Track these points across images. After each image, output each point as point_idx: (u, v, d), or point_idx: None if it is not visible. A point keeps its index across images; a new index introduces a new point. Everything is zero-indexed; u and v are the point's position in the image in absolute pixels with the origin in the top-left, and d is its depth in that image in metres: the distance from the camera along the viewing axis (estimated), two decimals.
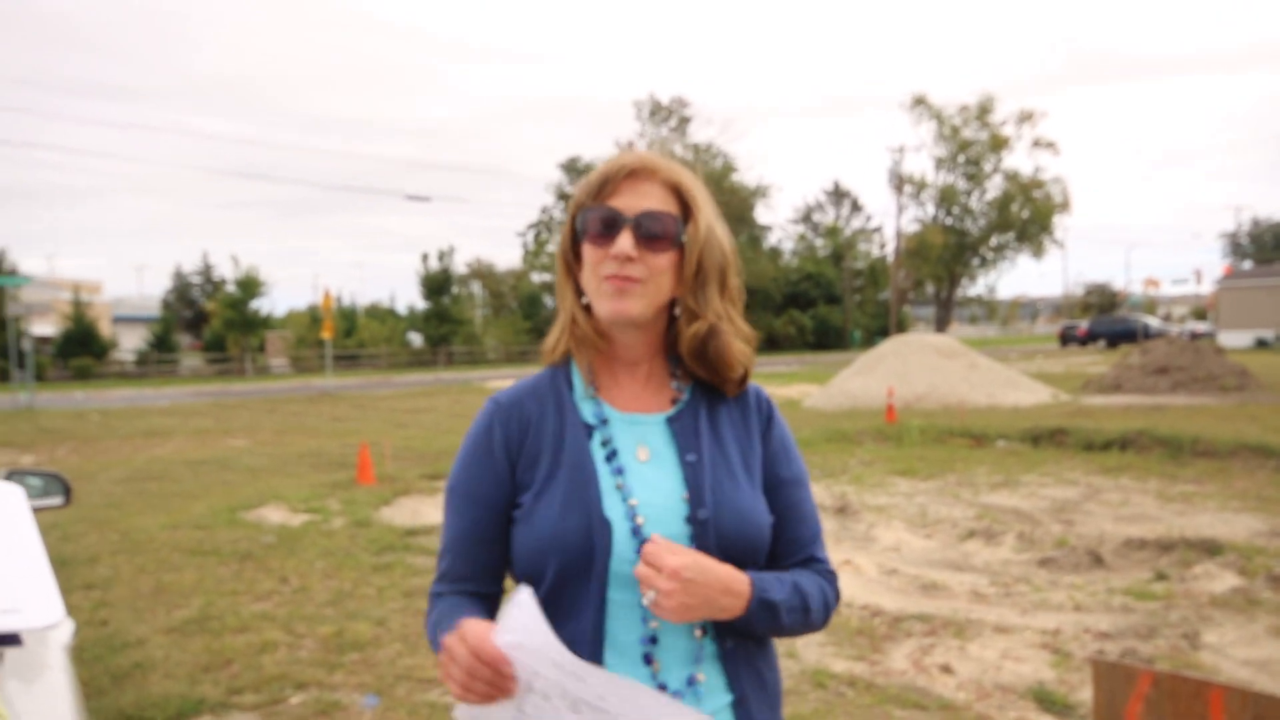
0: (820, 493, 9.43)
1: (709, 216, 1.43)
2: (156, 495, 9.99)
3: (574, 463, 1.37)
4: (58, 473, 3.05)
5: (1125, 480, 9.87)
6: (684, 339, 1.42)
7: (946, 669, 4.62)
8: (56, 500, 2.96)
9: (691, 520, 1.35)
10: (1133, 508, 8.49)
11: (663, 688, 1.32)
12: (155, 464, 12.54)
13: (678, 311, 1.43)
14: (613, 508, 1.34)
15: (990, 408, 17.66)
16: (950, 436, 13.42)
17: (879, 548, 7.30)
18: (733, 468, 1.42)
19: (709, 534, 1.34)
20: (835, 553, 6.98)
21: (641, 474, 1.38)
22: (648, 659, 1.33)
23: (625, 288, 1.36)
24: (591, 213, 1.38)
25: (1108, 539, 7.12)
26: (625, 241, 1.35)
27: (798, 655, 4.82)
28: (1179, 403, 17.56)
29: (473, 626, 1.19)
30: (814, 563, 1.49)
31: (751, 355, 1.48)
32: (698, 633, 1.36)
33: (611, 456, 1.39)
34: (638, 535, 1.33)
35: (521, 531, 1.37)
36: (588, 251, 1.39)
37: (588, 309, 1.43)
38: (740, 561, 1.36)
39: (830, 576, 1.51)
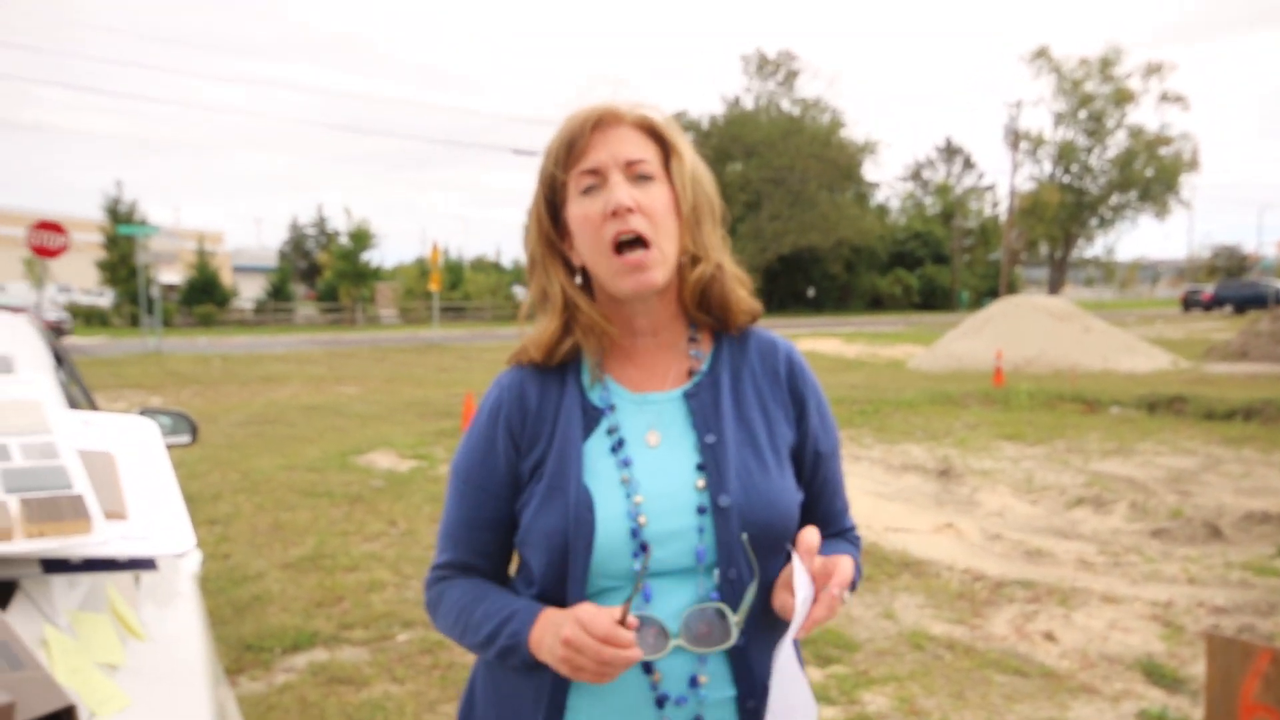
0: (922, 455, 9.28)
1: (689, 152, 1.32)
2: (273, 438, 10.43)
3: (561, 455, 1.27)
4: (185, 413, 3.20)
5: (1248, 452, 9.43)
6: (687, 286, 1.32)
7: (1050, 636, 4.53)
8: (184, 439, 3.12)
9: (710, 509, 1.24)
10: (1255, 480, 8.11)
11: (664, 697, 1.23)
12: (272, 408, 13.08)
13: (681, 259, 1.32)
14: (612, 505, 1.24)
15: (1104, 373, 17.04)
16: (1060, 401, 13.01)
17: (982, 512, 7.16)
18: (759, 447, 1.30)
19: (731, 522, 1.24)
20: (937, 516, 6.87)
21: (650, 462, 1.28)
22: (647, 667, 1.23)
23: (644, 260, 1.24)
24: (571, 176, 1.28)
25: (1227, 511, 6.84)
26: (620, 193, 1.24)
27: (896, 617, 4.79)
28: None
29: (589, 613, 1.14)
30: (846, 533, 1.45)
31: (756, 303, 1.38)
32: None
33: (618, 447, 1.28)
34: (637, 536, 1.23)
35: (521, 521, 1.31)
36: (580, 219, 1.27)
37: (584, 288, 1.33)
38: (763, 552, 1.26)
39: (859, 541, 1.47)
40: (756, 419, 1.32)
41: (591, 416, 1.30)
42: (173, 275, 44.85)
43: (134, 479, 1.36)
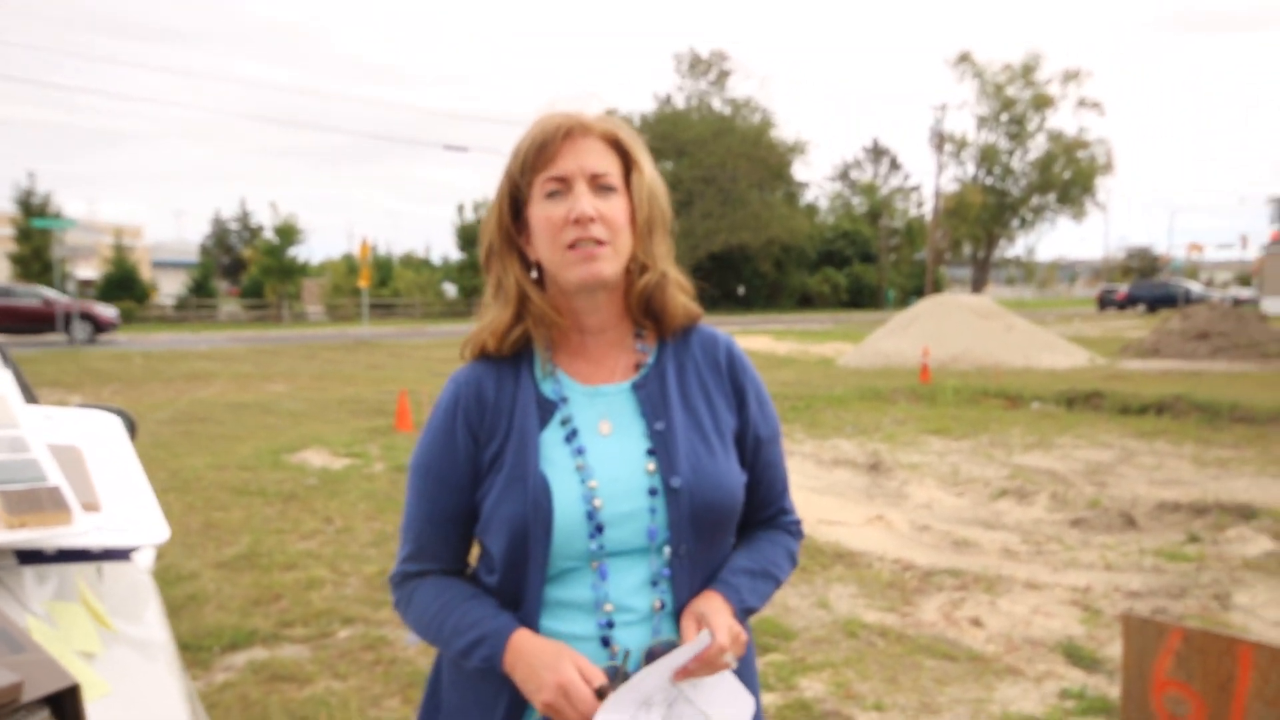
0: (852, 450, 9.49)
1: (650, 167, 1.41)
2: (202, 436, 10.23)
3: (520, 445, 1.34)
4: (123, 410, 3.16)
5: (1160, 444, 9.84)
6: (634, 291, 1.40)
7: (976, 622, 4.70)
8: None
9: (662, 490, 1.33)
10: (1167, 472, 8.48)
11: (617, 669, 1.31)
12: (199, 406, 12.81)
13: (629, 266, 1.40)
14: (568, 490, 1.31)
15: (1026, 369, 17.56)
16: (984, 397, 13.39)
17: (911, 505, 7.36)
18: (705, 433, 1.39)
19: (682, 503, 1.32)
20: (868, 508, 7.05)
21: (603, 450, 1.35)
22: (605, 642, 1.32)
23: (595, 252, 1.32)
24: (538, 179, 1.34)
25: (1141, 501, 7.14)
26: (585, 203, 1.31)
27: (830, 606, 4.92)
28: (1219, 369, 17.37)
29: (574, 685, 1.22)
30: (782, 515, 1.52)
31: (696, 308, 1.47)
32: (656, 603, 1.34)
33: (571, 436, 1.35)
34: (593, 518, 1.31)
35: (480, 512, 1.37)
36: (542, 221, 1.34)
37: (538, 283, 1.39)
38: (713, 528, 1.36)
39: (794, 527, 1.54)
40: (701, 407, 1.41)
41: (546, 409, 1.37)
42: (89, 270, 43.51)
43: (102, 471, 1.38)
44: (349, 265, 49.84)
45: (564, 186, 1.33)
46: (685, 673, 1.28)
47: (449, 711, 1.41)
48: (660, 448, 1.35)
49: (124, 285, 41.52)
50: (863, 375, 17.00)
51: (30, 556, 1.21)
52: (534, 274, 1.39)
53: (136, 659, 1.38)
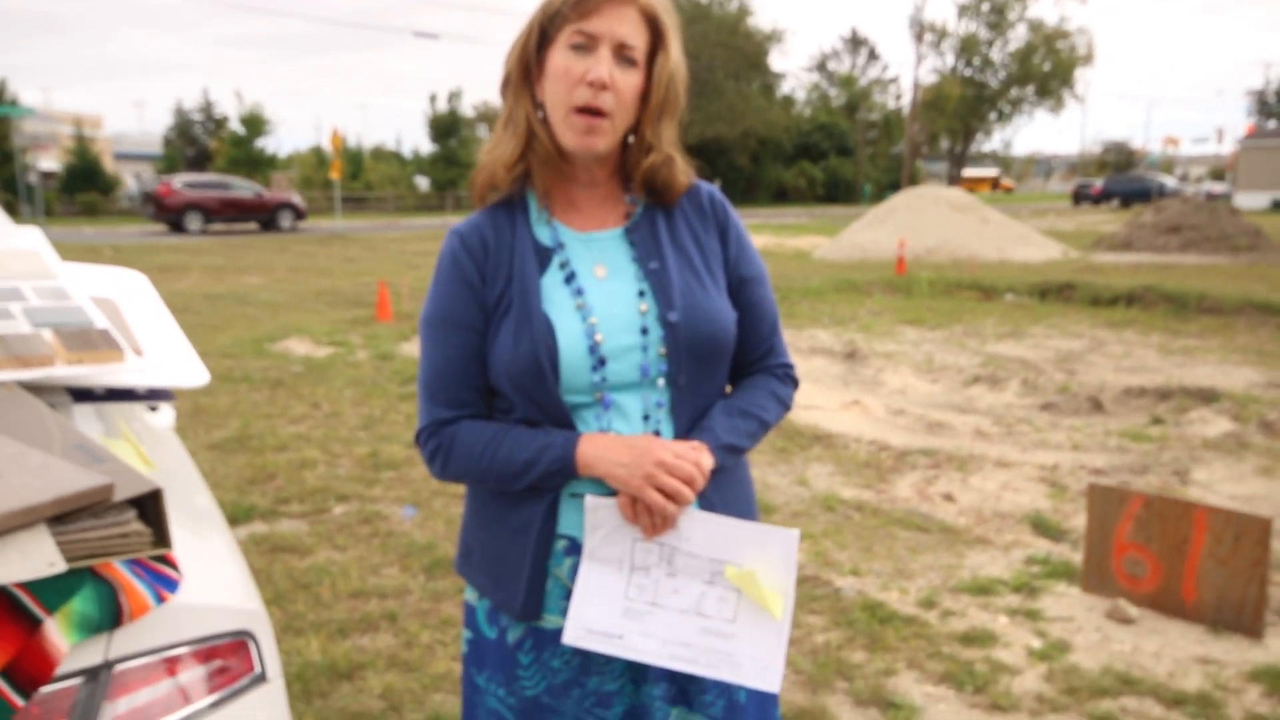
0: (829, 339, 9.64)
1: (678, 51, 1.44)
2: (181, 326, 10.17)
3: (523, 288, 1.40)
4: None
5: (1129, 334, 10.07)
6: (639, 169, 1.45)
7: (948, 497, 4.90)
8: None
9: (655, 327, 1.41)
10: (1134, 360, 8.70)
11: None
12: (175, 297, 12.73)
13: (631, 138, 1.45)
14: (571, 327, 1.39)
15: (1000, 262, 17.72)
16: (959, 289, 13.56)
17: (886, 390, 7.55)
18: (697, 271, 1.46)
19: (679, 335, 1.40)
20: (844, 394, 7.23)
21: (601, 290, 1.43)
22: None
23: (595, 124, 1.37)
24: (569, 27, 1.37)
25: (1108, 387, 7.36)
26: (603, 68, 1.35)
27: (809, 483, 5.10)
28: (1189, 262, 17.61)
29: (678, 447, 1.35)
30: (771, 356, 1.58)
31: (692, 175, 1.53)
32: (651, 436, 1.41)
33: (570, 279, 1.43)
34: (595, 351, 1.38)
35: (489, 356, 1.43)
36: (559, 69, 1.38)
37: (545, 123, 1.43)
38: (709, 359, 1.44)
39: (781, 370, 1.57)
40: (691, 249, 1.49)
41: (543, 255, 1.44)
42: (50, 161, 42.43)
43: (139, 321, 1.44)
44: (318, 158, 48.92)
45: (590, 44, 1.37)
46: (650, 530, 1.38)
47: (481, 550, 1.50)
48: (656, 286, 1.42)
49: (87, 177, 40.63)
50: (839, 268, 17.10)
51: (81, 395, 1.28)
52: (540, 115, 1.43)
53: (183, 501, 1.47)
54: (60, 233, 27.20)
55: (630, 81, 1.39)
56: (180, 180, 29.16)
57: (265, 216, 29.36)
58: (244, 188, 29.94)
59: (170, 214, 27.96)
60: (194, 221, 27.94)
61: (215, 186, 29.29)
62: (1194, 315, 11.10)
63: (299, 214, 30.33)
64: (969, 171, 79.75)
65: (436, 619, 3.48)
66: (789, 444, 5.77)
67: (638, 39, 1.39)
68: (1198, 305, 11.38)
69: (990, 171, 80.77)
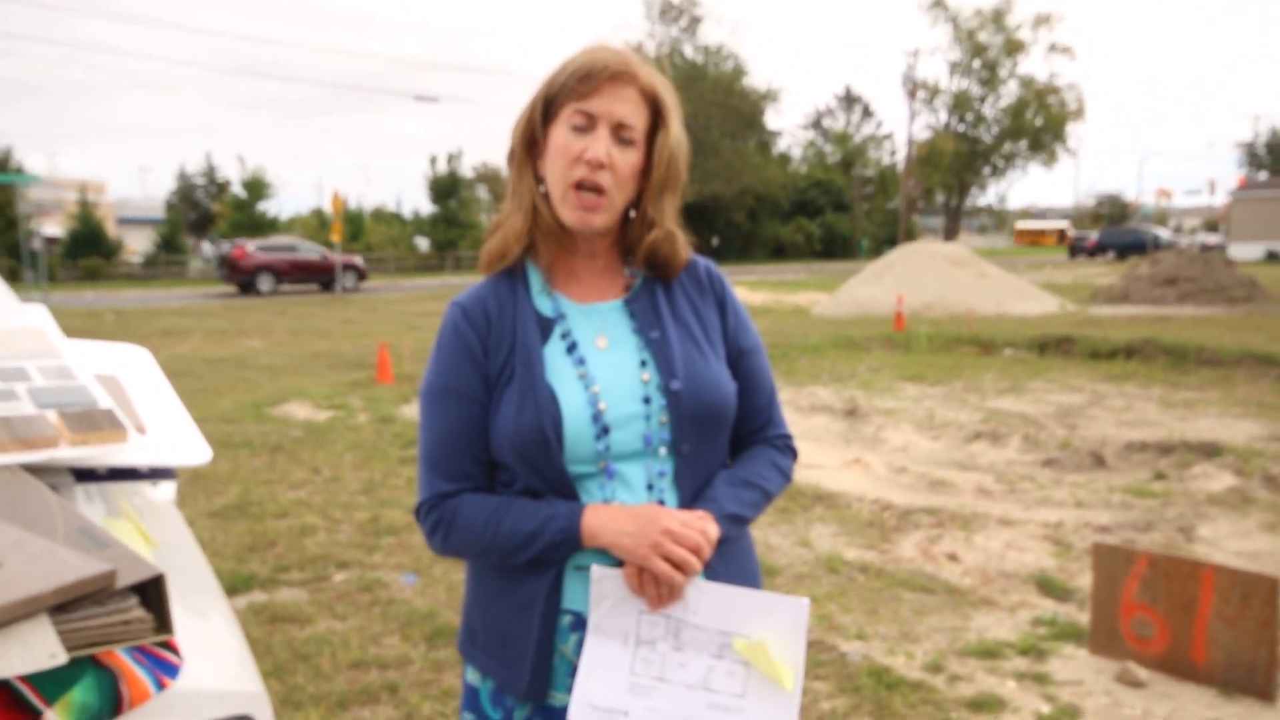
0: (829, 396, 9.64)
1: (678, 128, 1.47)
2: (181, 391, 10.02)
3: (526, 358, 1.42)
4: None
5: (1129, 387, 10.07)
6: (641, 245, 1.49)
7: (953, 557, 4.86)
8: None
9: (658, 396, 1.42)
10: (1135, 413, 8.70)
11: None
12: (176, 361, 12.76)
13: (633, 213, 1.48)
14: (574, 396, 1.40)
15: (998, 316, 17.80)
16: (958, 344, 13.59)
17: (888, 448, 7.53)
18: (697, 341, 1.49)
19: (683, 404, 1.41)
20: (845, 452, 7.21)
21: (603, 360, 1.44)
22: None
23: (593, 203, 1.40)
24: (572, 105, 1.40)
25: (1110, 442, 7.34)
26: (600, 147, 1.39)
27: (812, 544, 5.07)
28: (1186, 313, 17.68)
29: (683, 516, 1.35)
30: (771, 427, 1.58)
31: (690, 251, 1.56)
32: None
33: (572, 348, 1.44)
34: (599, 420, 1.39)
35: (490, 427, 1.43)
36: (559, 146, 1.41)
37: (546, 197, 1.46)
38: (712, 428, 1.45)
39: (780, 441, 1.58)
40: (691, 320, 1.51)
41: (545, 325, 1.46)
42: (53, 227, 42.78)
43: (142, 398, 1.45)
44: (320, 220, 49.31)
45: (590, 123, 1.41)
46: (657, 601, 1.36)
47: (485, 630, 1.49)
48: (658, 355, 1.44)
49: (91, 242, 40.92)
50: (838, 324, 17.17)
51: (83, 475, 1.28)
52: (542, 190, 1.46)
53: (183, 577, 1.46)
54: (62, 298, 27.37)
55: (628, 160, 1.42)
56: (253, 245, 30.21)
57: (328, 278, 30.18)
58: (310, 250, 30.92)
59: (244, 275, 28.88)
60: (265, 283, 28.91)
61: (285, 249, 30.39)
62: (1193, 367, 11.11)
63: (361, 274, 31.23)
64: (1032, 224, 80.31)
65: (438, 689, 3.43)
66: (791, 504, 5.75)
67: (637, 119, 1.43)
68: (1197, 357, 11.40)
69: (1060, 224, 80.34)
